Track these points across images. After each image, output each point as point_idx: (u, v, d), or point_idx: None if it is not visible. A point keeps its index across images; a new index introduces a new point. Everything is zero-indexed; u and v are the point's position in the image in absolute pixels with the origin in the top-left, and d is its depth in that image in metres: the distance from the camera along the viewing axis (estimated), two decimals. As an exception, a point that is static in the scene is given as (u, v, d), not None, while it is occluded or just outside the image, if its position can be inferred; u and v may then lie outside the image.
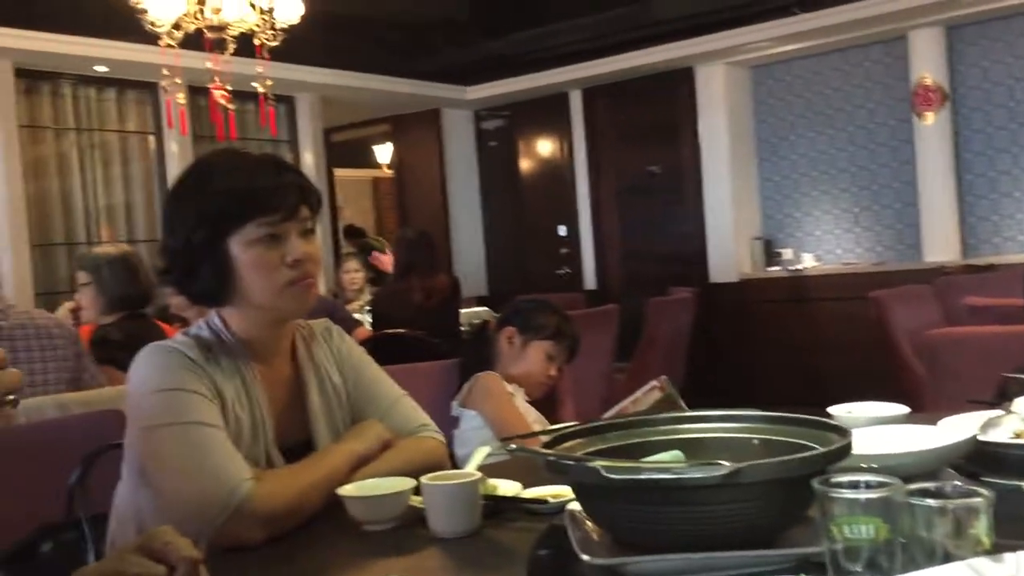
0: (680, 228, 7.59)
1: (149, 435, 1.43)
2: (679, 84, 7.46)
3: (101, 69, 6.18)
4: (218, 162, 1.56)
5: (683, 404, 2.22)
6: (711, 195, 7.44)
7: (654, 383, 2.26)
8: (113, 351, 3.22)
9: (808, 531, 0.99)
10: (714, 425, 1.23)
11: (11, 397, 0.88)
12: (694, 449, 1.18)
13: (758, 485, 0.96)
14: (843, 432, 1.08)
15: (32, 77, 6.02)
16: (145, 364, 1.49)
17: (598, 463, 0.99)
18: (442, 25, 7.55)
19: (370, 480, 1.43)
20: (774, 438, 1.15)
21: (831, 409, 1.60)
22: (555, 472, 1.06)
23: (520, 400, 2.52)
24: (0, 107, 5.72)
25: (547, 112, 8.20)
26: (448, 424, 2.42)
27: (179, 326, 3.70)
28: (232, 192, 1.48)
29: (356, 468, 1.50)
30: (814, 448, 1.03)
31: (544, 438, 1.21)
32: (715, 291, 7.22)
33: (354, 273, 6.07)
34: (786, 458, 0.98)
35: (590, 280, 8.07)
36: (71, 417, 2.24)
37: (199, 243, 1.49)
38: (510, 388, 2.52)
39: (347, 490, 1.38)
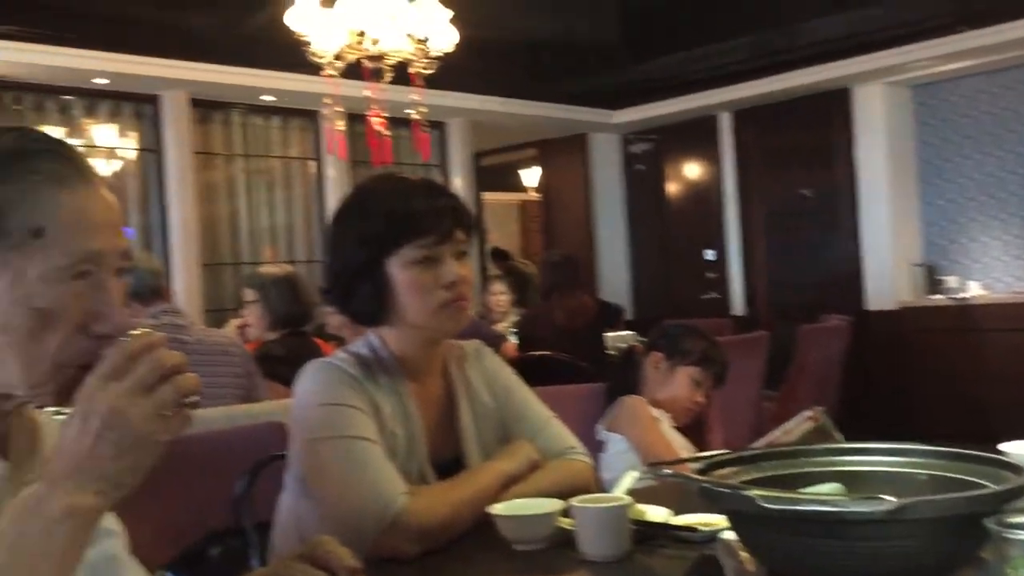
0: (833, 253, 7.33)
1: (311, 447, 1.50)
2: (834, 105, 7.23)
3: (268, 99, 6.53)
4: (377, 187, 1.62)
5: (838, 436, 2.15)
6: (868, 219, 7.16)
7: (807, 413, 2.20)
8: (276, 366, 3.39)
9: (978, 574, 0.94)
10: (876, 458, 1.18)
11: (192, 399, 0.94)
12: (854, 482, 1.14)
13: (926, 522, 0.92)
14: (1018, 470, 1.02)
15: (206, 107, 6.42)
16: (309, 379, 1.56)
17: (754, 492, 0.97)
18: (591, 49, 7.60)
19: (520, 500, 1.44)
20: (941, 474, 1.10)
21: (1003, 446, 1.51)
22: (709, 499, 1.05)
23: (666, 426, 2.49)
24: (178, 135, 6.13)
25: (695, 135, 8.10)
26: (593, 447, 2.42)
27: (335, 345, 3.85)
28: (390, 215, 1.54)
29: (506, 487, 1.53)
30: (986, 486, 0.98)
31: (695, 464, 1.20)
32: (870, 319, 6.93)
33: (500, 295, 6.16)
34: (958, 495, 0.94)
35: (738, 305, 7.90)
36: (237, 429, 2.36)
37: (359, 264, 1.55)
38: (656, 413, 2.49)
39: (497, 509, 1.41)
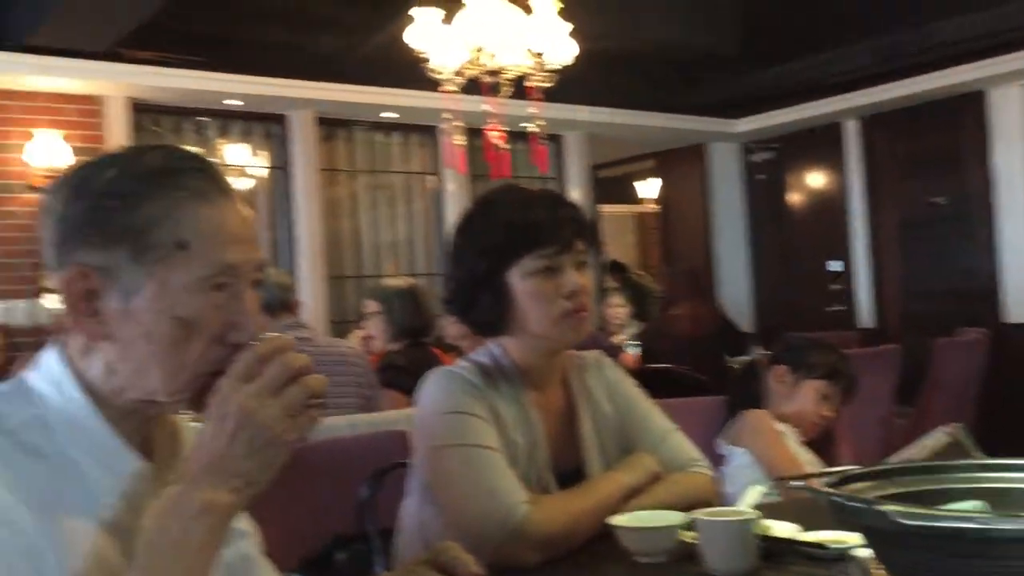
0: (968, 263, 7.00)
1: (434, 454, 1.52)
2: (967, 109, 6.92)
3: (389, 115, 6.69)
4: (499, 198, 1.64)
5: (977, 453, 2.04)
6: (1007, 228, 6.81)
7: (945, 429, 2.10)
8: (397, 376, 3.46)
9: None
10: (1020, 475, 1.12)
11: (318, 400, 0.97)
12: (997, 500, 1.08)
13: (1079, 543, 0.86)
14: None
15: (330, 125, 6.62)
16: (432, 387, 1.59)
17: (891, 507, 0.93)
18: (711, 58, 7.49)
19: (642, 512, 1.43)
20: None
21: None
22: (841, 515, 1.01)
23: (792, 440, 2.42)
24: (305, 152, 6.34)
25: (819, 143, 7.88)
26: (715, 461, 2.37)
27: (454, 355, 3.90)
28: (511, 226, 1.56)
29: (627, 499, 1.52)
30: None
31: (825, 479, 1.16)
32: (1011, 332, 6.57)
33: (617, 308, 6.13)
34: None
35: (865, 318, 7.63)
36: (361, 437, 2.41)
37: (480, 274, 1.57)
38: (781, 427, 2.42)
39: (619, 520, 1.39)
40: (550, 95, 4.63)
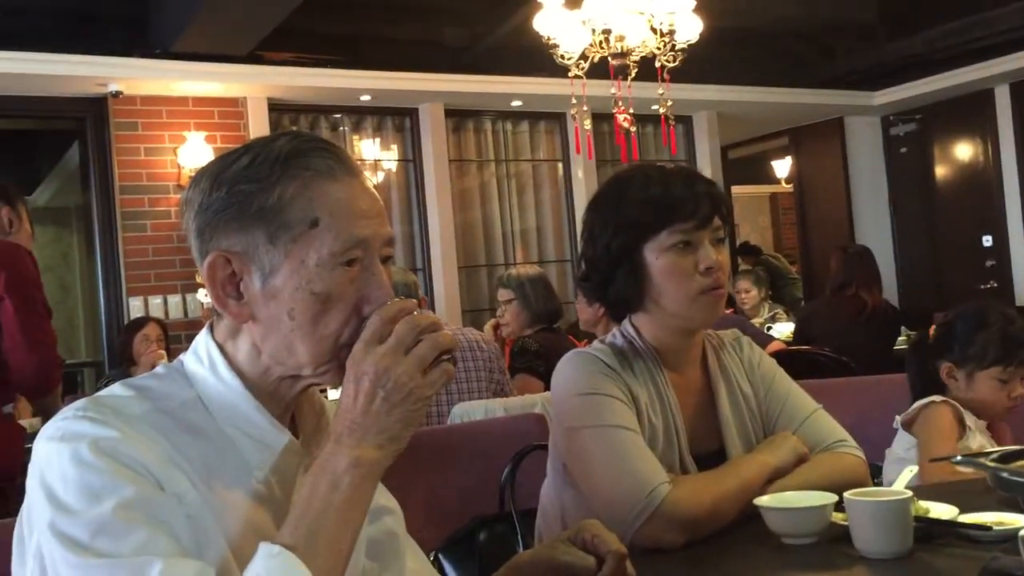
0: None
1: (572, 436, 1.52)
2: None
3: (516, 104, 6.72)
4: (635, 175, 1.62)
5: None
6: None
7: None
8: (531, 360, 3.49)
9: None
10: None
11: (447, 356, 0.99)
12: None
13: None
14: None
15: (459, 116, 6.71)
16: (567, 369, 1.58)
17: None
18: (845, 29, 7.21)
19: (789, 493, 1.39)
20: None
21: None
22: (1008, 491, 0.96)
23: (979, 438, 2.16)
24: (435, 144, 6.45)
25: (967, 112, 7.48)
26: (865, 442, 2.25)
27: (586, 342, 3.90)
28: (649, 200, 1.54)
29: (771, 480, 1.47)
30: None
31: (990, 457, 1.09)
32: None
33: (744, 294, 6.01)
34: None
35: (1022, 294, 7.20)
36: (500, 420, 2.44)
37: (616, 250, 1.56)
38: (970, 422, 2.16)
39: (765, 501, 1.36)
40: (678, 75, 4.56)
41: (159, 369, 1.09)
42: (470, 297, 6.70)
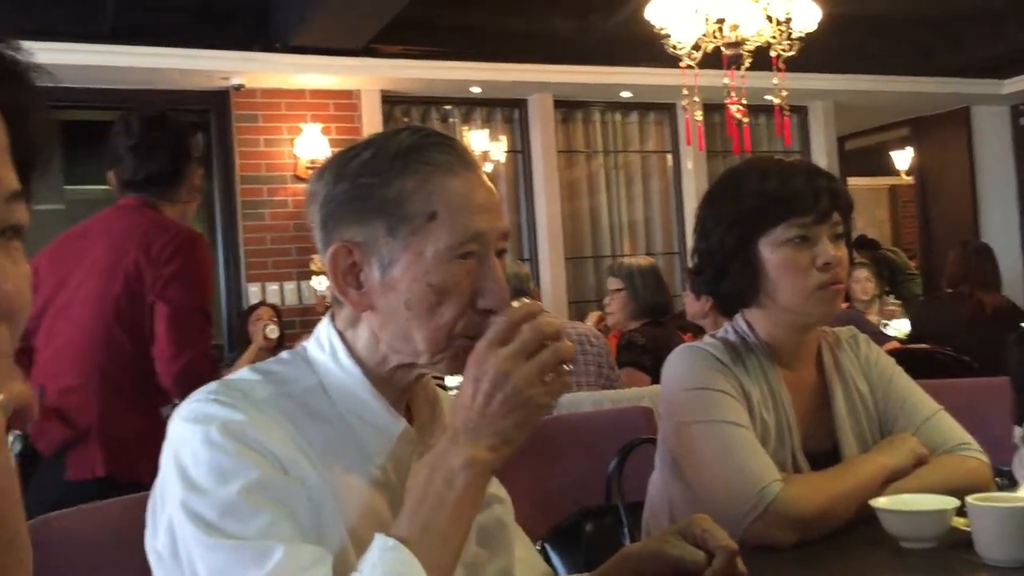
0: None
1: (681, 430, 1.51)
2: None
3: (626, 95, 6.68)
4: (752, 168, 1.59)
5: None
6: None
7: None
8: (637, 354, 3.47)
9: None
10: None
11: (567, 367, 1.00)
12: None
13: None
14: None
15: (568, 107, 6.71)
16: (678, 363, 1.57)
17: None
18: (971, 15, 6.90)
19: (908, 495, 1.35)
20: None
21: None
22: None
23: None
24: (543, 135, 6.47)
25: (1105, 101, 7.07)
26: (987, 445, 2.17)
27: (690, 336, 3.86)
28: (766, 194, 1.51)
29: (888, 482, 1.44)
30: None
31: None
32: None
33: (865, 282, 5.82)
34: None
35: None
36: (607, 412, 2.44)
37: (731, 244, 1.54)
38: None
39: (882, 503, 1.33)
40: (793, 64, 4.46)
41: (284, 355, 1.14)
42: (576, 288, 6.70)
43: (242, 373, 1.08)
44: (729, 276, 1.56)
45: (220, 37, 5.37)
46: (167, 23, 5.28)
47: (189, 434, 0.98)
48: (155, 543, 1.03)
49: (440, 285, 1.03)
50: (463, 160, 1.07)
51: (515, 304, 1.02)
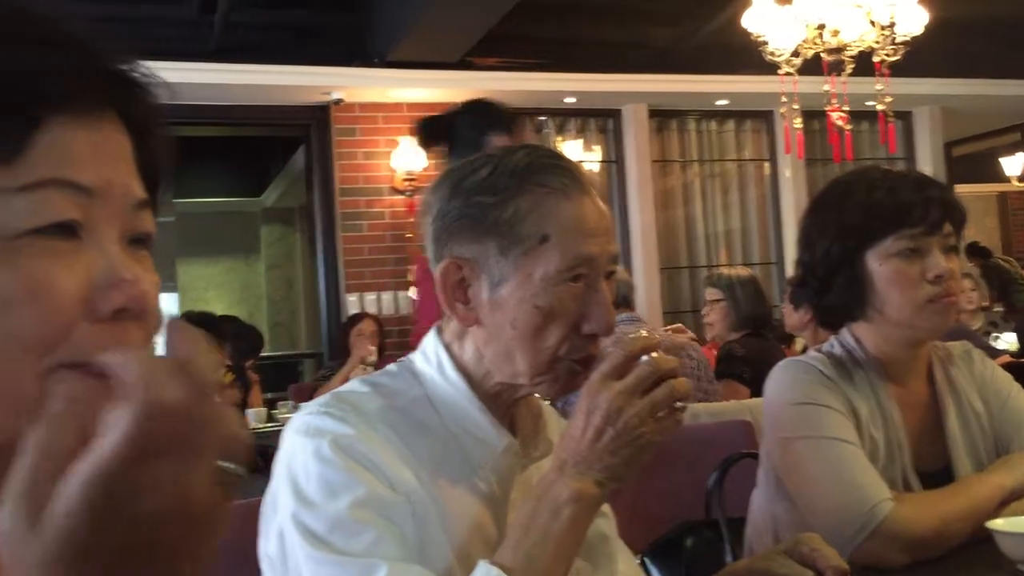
0: None
1: (786, 446, 1.48)
2: None
3: (722, 103, 6.59)
4: (859, 178, 1.56)
5: None
6: None
7: None
8: (737, 366, 3.41)
9: None
10: None
11: (680, 404, 0.99)
12: None
13: None
14: None
15: (662, 116, 6.66)
16: (782, 378, 1.54)
17: None
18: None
19: (1027, 517, 1.30)
20: None
21: None
22: None
23: None
24: (637, 145, 6.44)
25: None
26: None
27: (787, 348, 3.78)
28: (874, 205, 1.48)
29: (1005, 503, 1.39)
30: None
31: None
32: None
33: (969, 292, 5.60)
34: None
35: None
36: (707, 426, 2.41)
37: (836, 256, 1.50)
38: None
39: (999, 525, 1.28)
40: (897, 69, 4.34)
41: (391, 367, 1.16)
42: (671, 298, 6.64)
43: (352, 385, 1.11)
44: (834, 289, 1.53)
45: (321, 54, 5.51)
46: (270, 41, 5.45)
47: (301, 447, 1.01)
48: (267, 548, 1.06)
49: (547, 308, 1.03)
50: (577, 183, 1.07)
51: (631, 336, 1.01)
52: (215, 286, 9.68)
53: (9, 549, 0.42)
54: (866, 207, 1.48)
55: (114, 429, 0.43)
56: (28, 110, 0.49)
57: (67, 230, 0.50)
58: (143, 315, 0.52)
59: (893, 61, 4.21)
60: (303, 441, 1.01)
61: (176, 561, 0.46)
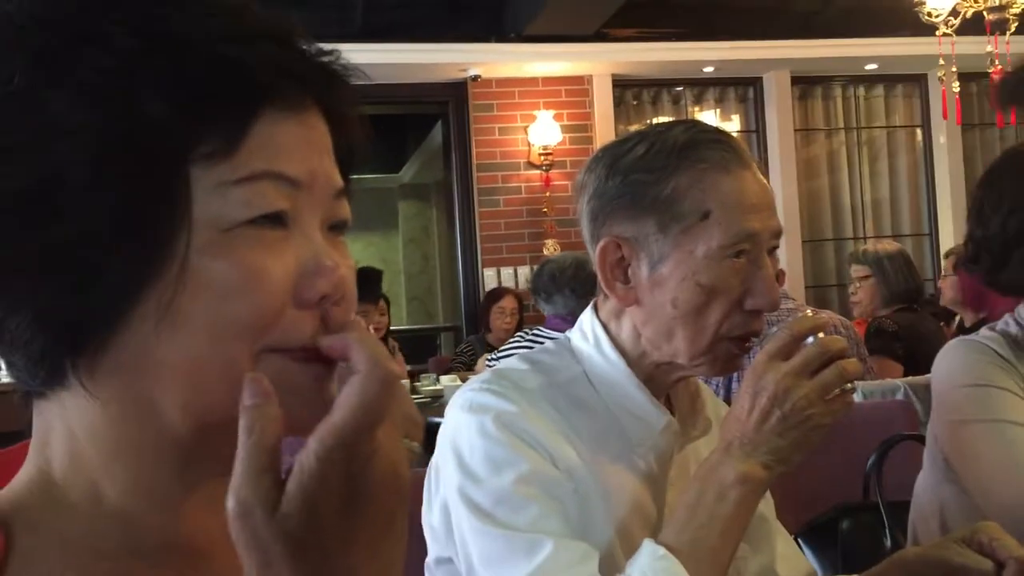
0: None
1: (956, 429, 1.41)
2: None
3: (871, 67, 6.31)
4: (1040, 146, 1.46)
5: None
6: None
7: None
8: (888, 342, 3.29)
9: None
10: None
11: (850, 386, 0.95)
12: None
13: None
14: None
15: (806, 83, 6.43)
16: (953, 358, 1.47)
17: None
18: None
19: None
20: None
21: None
22: None
23: None
24: (780, 113, 6.24)
25: None
26: None
27: (944, 326, 3.60)
28: None
29: None
30: None
31: None
32: None
33: None
34: None
35: None
36: (862, 405, 2.33)
37: (1013, 231, 1.42)
38: None
39: None
40: (1067, 25, 4.06)
41: (549, 344, 1.17)
42: (814, 272, 6.43)
43: (512, 362, 1.12)
44: (1009, 265, 1.44)
45: (459, 31, 5.56)
46: (411, 20, 5.54)
47: (464, 424, 1.03)
48: (430, 518, 1.09)
49: (710, 285, 1.01)
50: (737, 157, 1.05)
51: (800, 315, 0.99)
52: (355, 261, 9.98)
53: (244, 523, 0.44)
54: None
55: (352, 400, 0.46)
56: (247, 103, 0.51)
57: (277, 220, 0.52)
58: (343, 300, 0.54)
59: (1062, 17, 3.93)
60: (467, 417, 1.03)
61: (391, 531, 0.48)
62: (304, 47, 0.55)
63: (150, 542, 0.54)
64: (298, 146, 0.53)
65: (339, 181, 0.57)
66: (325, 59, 0.56)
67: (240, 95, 0.51)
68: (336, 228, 0.57)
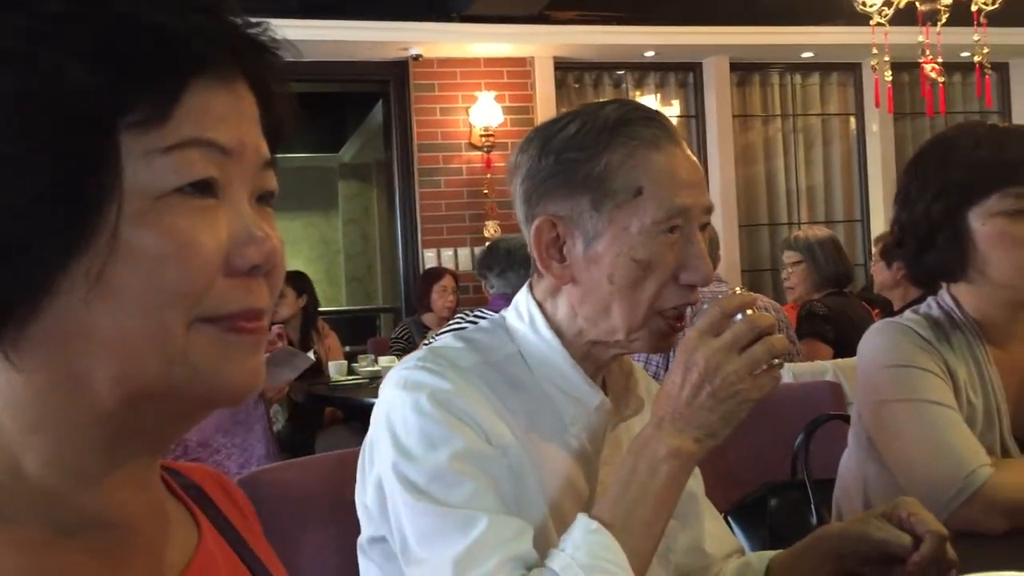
0: None
1: (880, 409, 1.45)
2: None
3: (807, 55, 6.41)
4: (962, 134, 1.50)
5: None
6: None
7: None
8: (818, 324, 3.37)
9: None
10: None
11: (777, 361, 0.97)
12: None
13: None
14: None
15: (745, 69, 6.51)
16: (877, 339, 1.51)
17: None
18: None
19: None
20: None
21: None
22: None
23: None
24: (719, 99, 6.31)
25: None
26: None
27: (877, 312, 3.70)
28: (978, 163, 1.42)
29: (1112, 472, 1.34)
30: None
31: None
32: None
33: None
34: None
35: None
36: (790, 386, 2.38)
37: (937, 215, 1.46)
38: None
39: (1106, 494, 1.24)
40: (995, 19, 4.17)
41: (484, 323, 1.17)
42: (750, 257, 6.54)
43: (447, 340, 1.12)
44: (934, 249, 1.48)
45: (401, 9, 5.50)
46: (350, -2, 5.46)
47: (400, 400, 1.03)
48: (364, 497, 1.09)
49: (645, 260, 1.03)
50: (668, 134, 1.06)
51: (729, 293, 1.01)
52: (293, 241, 9.85)
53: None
54: (970, 164, 1.43)
55: None
56: (178, 72, 0.51)
57: (207, 189, 0.52)
58: (273, 271, 0.54)
59: (991, 10, 4.04)
60: (402, 395, 1.03)
61: None
62: (234, 19, 0.54)
63: (73, 518, 0.54)
64: (227, 115, 0.53)
65: (267, 152, 0.57)
66: (254, 31, 0.56)
67: (171, 64, 0.51)
68: (264, 199, 0.57)
